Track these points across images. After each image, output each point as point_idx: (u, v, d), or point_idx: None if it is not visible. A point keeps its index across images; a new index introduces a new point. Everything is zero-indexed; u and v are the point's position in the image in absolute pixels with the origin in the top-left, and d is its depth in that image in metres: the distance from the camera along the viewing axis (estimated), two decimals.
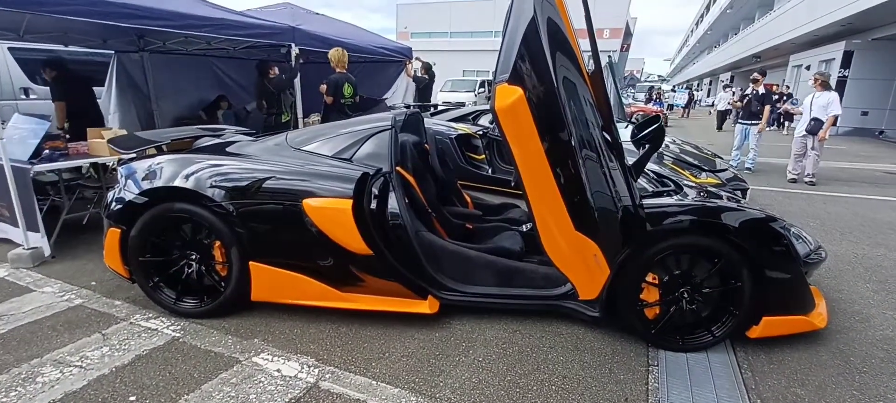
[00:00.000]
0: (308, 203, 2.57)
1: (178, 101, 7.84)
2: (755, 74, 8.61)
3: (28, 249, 3.54)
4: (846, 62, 14.88)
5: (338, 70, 5.78)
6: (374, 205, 2.65)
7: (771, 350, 2.57)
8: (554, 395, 2.17)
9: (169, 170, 2.70)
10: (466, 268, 2.80)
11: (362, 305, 2.69)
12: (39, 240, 3.57)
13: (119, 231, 2.76)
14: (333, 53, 5.77)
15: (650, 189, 2.98)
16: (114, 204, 2.77)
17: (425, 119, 6.49)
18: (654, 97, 22.64)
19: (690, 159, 5.36)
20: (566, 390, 2.21)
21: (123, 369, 2.31)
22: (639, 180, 3.22)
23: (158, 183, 2.69)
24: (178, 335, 2.62)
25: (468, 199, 4.02)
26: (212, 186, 2.62)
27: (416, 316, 2.73)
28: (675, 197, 2.80)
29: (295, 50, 5.93)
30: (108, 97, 7.11)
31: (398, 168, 2.87)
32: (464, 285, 2.76)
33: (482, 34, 34.30)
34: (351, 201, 2.54)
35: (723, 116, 17.51)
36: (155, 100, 7.57)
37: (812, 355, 2.55)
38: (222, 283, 2.75)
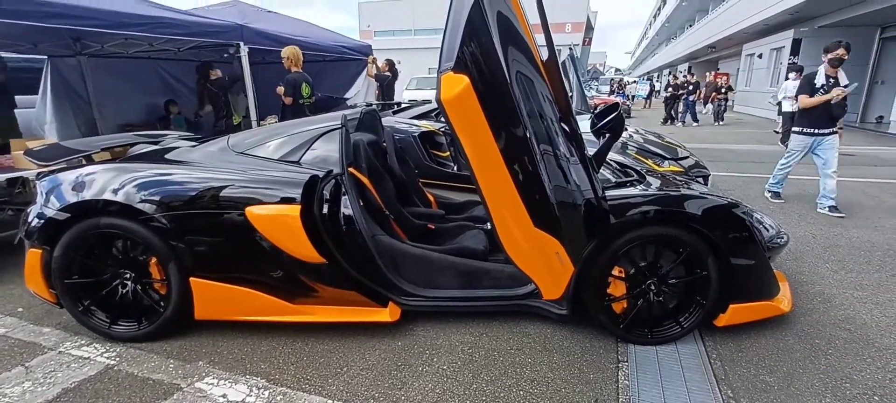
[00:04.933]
0: (252, 211, 2.37)
1: (123, 108, 7.38)
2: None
3: None
4: (795, 49, 15.46)
5: (293, 69, 5.53)
6: (325, 210, 2.48)
7: (739, 337, 2.53)
8: (522, 401, 2.06)
9: (94, 182, 2.44)
10: (428, 271, 2.66)
11: (317, 317, 2.51)
12: None
13: (40, 251, 2.48)
14: (287, 51, 5.51)
15: (614, 180, 2.91)
16: (33, 221, 2.49)
17: (388, 117, 6.32)
18: (617, 89, 23.10)
19: (654, 148, 5.37)
20: (535, 394, 2.10)
21: None
22: (603, 171, 3.16)
23: (83, 196, 2.43)
24: (112, 362, 2.37)
25: (431, 198, 3.87)
26: (143, 198, 2.38)
27: (377, 326, 2.57)
28: (638, 187, 2.74)
29: (244, 49, 5.64)
30: (42, 106, 6.61)
31: (351, 169, 2.70)
32: (426, 289, 2.62)
33: None
34: (299, 207, 2.35)
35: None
36: (97, 106, 7.09)
37: (779, 340, 2.53)
38: (161, 303, 2.52)
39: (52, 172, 2.63)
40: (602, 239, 2.33)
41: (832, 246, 3.97)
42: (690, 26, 31.81)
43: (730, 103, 14.65)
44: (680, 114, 15.81)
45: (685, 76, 16.51)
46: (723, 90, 14.81)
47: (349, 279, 2.49)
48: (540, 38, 1.94)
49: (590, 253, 2.35)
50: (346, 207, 2.53)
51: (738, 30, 18.78)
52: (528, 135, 1.83)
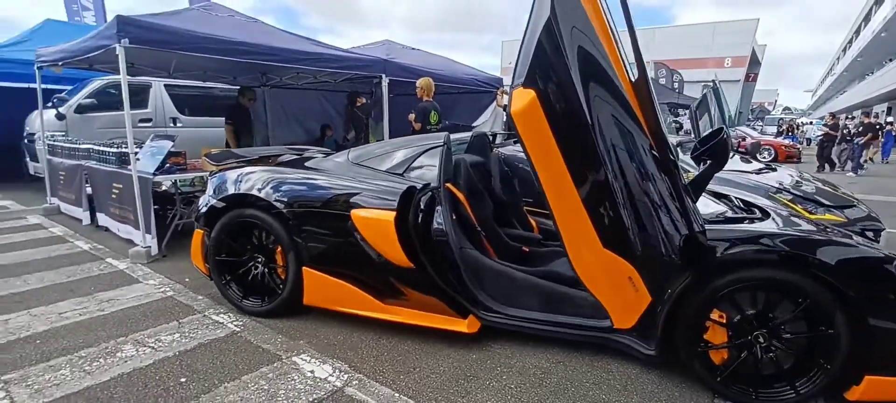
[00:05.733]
0: (356, 213, 2.67)
1: (290, 130, 8.78)
2: None
3: (144, 248, 4.14)
4: None
5: (425, 99, 6.03)
6: (419, 219, 2.68)
7: None
8: None
9: (246, 180, 3.00)
10: (510, 290, 2.68)
11: (401, 318, 2.69)
12: (151, 241, 4.16)
13: (202, 232, 3.11)
14: (421, 82, 6.04)
15: (730, 214, 2.62)
16: (201, 208, 3.14)
17: (510, 146, 6.48)
18: (786, 130, 20.12)
19: (813, 195, 4.58)
20: None
21: (185, 354, 2.56)
22: (719, 205, 2.87)
23: (236, 190, 3.00)
24: (238, 329, 2.84)
25: (533, 223, 3.87)
26: (275, 195, 2.85)
27: (457, 335, 2.66)
28: (761, 224, 2.42)
29: (385, 80, 6.33)
30: None
31: (448, 185, 2.88)
32: (506, 307, 2.64)
33: None
34: (394, 213, 2.59)
35: None
36: (271, 128, 8.56)
37: None
38: (281, 286, 2.95)
39: (220, 171, 3.29)
40: (698, 275, 2.12)
41: None
42: (892, 61, 26.40)
43: None
44: (841, 162, 13.08)
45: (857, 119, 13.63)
46: None
47: (433, 286, 2.64)
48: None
49: (683, 289, 2.15)
50: (439, 219, 2.71)
51: None
52: (600, 151, 1.79)
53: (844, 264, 2.02)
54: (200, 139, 8.44)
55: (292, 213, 2.81)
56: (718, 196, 3.22)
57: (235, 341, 2.70)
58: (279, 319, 2.96)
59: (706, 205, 2.83)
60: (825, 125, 14.28)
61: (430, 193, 2.76)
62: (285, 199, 2.83)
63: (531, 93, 1.69)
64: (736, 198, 3.12)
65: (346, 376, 2.36)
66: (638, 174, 1.88)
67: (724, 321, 2.17)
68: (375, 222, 2.62)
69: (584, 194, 1.81)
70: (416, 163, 2.97)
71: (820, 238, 2.17)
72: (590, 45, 1.72)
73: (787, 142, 16.97)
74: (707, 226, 2.24)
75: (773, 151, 16.09)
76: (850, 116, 16.00)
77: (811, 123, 27.16)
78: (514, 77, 1.75)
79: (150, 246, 4.17)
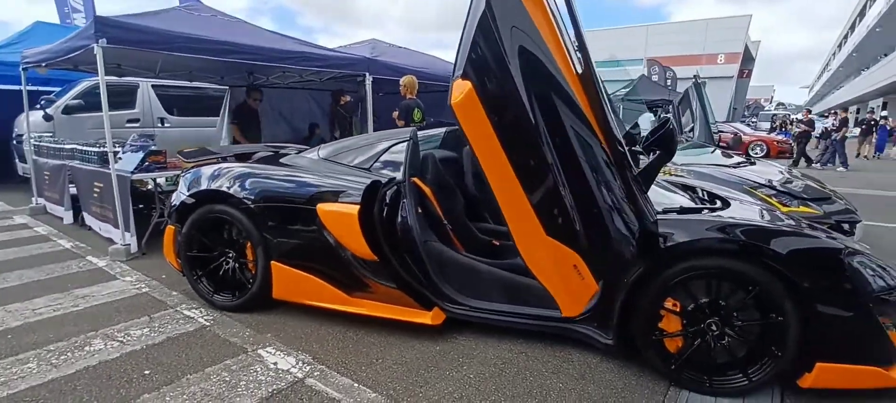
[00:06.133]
0: (321, 208, 2.70)
1: (279, 129, 8.79)
2: None
3: (123, 246, 4.16)
4: None
5: (408, 96, 6.05)
6: (384, 213, 2.71)
7: None
8: None
9: (215, 176, 3.03)
10: (475, 282, 2.71)
11: (366, 310, 2.72)
12: (130, 239, 4.18)
13: (174, 228, 3.14)
14: (404, 80, 6.06)
15: (688, 204, 2.65)
16: (173, 204, 3.17)
17: None
18: (779, 126, 20.16)
19: (793, 191, 4.57)
20: None
21: (153, 347, 2.59)
22: (679, 195, 2.90)
23: (204, 186, 3.02)
24: (208, 324, 2.87)
25: None
26: (243, 190, 2.88)
27: (423, 327, 2.68)
28: (713, 214, 2.46)
29: (369, 79, 6.35)
30: (221, 125, 8.19)
31: (415, 179, 2.90)
32: (471, 299, 2.66)
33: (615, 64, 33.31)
34: (358, 207, 2.62)
35: None
36: (263, 127, 8.57)
37: None
38: (251, 281, 2.98)
39: (192, 168, 3.32)
40: (651, 264, 2.15)
41: None
42: (887, 56, 26.45)
43: None
44: (822, 157, 13.11)
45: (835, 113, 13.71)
46: None
47: (398, 279, 2.67)
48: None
49: (637, 278, 2.18)
50: (404, 212, 2.74)
51: None
52: (540, 142, 1.81)
53: (796, 254, 2.05)
54: (189, 139, 8.47)
55: (260, 209, 2.84)
56: (687, 188, 3.26)
57: (203, 335, 2.73)
58: (249, 313, 2.99)
59: (667, 196, 2.86)
60: (801, 122, 14.36)
61: (395, 187, 2.79)
62: (253, 195, 2.86)
63: (468, 84, 1.72)
64: (701, 189, 3.15)
65: (308, 367, 2.39)
66: (582, 164, 1.91)
67: (678, 309, 2.20)
68: (340, 216, 2.65)
69: (525, 183, 1.84)
70: (384, 159, 3.00)
71: (772, 228, 2.21)
72: (528, 37, 1.74)
73: (779, 137, 17.02)
74: (665, 216, 2.28)
75: (765, 147, 16.14)
76: (832, 112, 15.99)
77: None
78: (454, 69, 1.78)
79: (129, 244, 4.19)
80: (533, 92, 1.77)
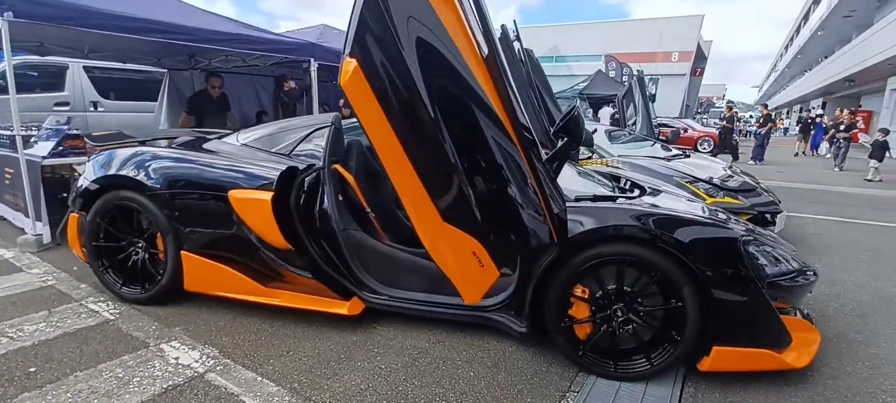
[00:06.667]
0: (233, 194, 2.57)
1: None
2: None
3: (34, 236, 3.88)
4: None
5: None
6: (301, 200, 2.61)
7: (730, 388, 2.15)
8: None
9: (121, 160, 2.84)
10: (395, 271, 2.66)
11: (282, 301, 2.62)
12: (43, 228, 3.90)
13: (78, 216, 2.93)
14: None
15: (603, 192, 2.68)
16: (76, 190, 2.95)
17: None
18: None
19: (720, 182, 4.73)
20: None
21: (44, 343, 2.40)
22: (592, 183, 2.93)
23: (109, 171, 2.83)
24: (112, 318, 2.70)
25: None
26: (151, 175, 2.71)
27: (343, 318, 2.61)
28: (624, 203, 2.50)
29: (314, 65, 6.16)
30: (159, 110, 7.80)
31: (337, 166, 2.81)
32: (390, 288, 2.61)
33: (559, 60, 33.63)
34: (272, 193, 2.51)
35: None
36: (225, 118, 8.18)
37: (780, 400, 2.10)
38: (161, 272, 2.82)
39: (101, 151, 3.11)
40: (561, 252, 2.16)
41: None
42: (827, 58, 28.02)
43: (845, 144, 11.61)
44: (752, 151, 13.90)
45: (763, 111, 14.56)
46: (842, 128, 12.24)
47: (315, 268, 2.58)
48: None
49: (548, 266, 2.19)
50: (324, 200, 2.65)
51: (880, 60, 16.16)
52: (434, 125, 1.77)
53: (695, 242, 2.09)
54: (127, 124, 8.02)
55: (169, 194, 2.68)
56: (614, 178, 3.31)
57: (105, 329, 2.56)
58: (161, 306, 2.83)
59: (588, 185, 2.89)
60: (722, 119, 15.17)
61: (315, 174, 2.70)
62: (162, 181, 2.69)
63: (354, 62, 1.66)
64: (625, 179, 3.20)
65: (212, 361, 2.27)
66: (480, 149, 1.88)
67: (587, 296, 2.22)
68: (253, 203, 2.53)
69: (418, 168, 1.79)
70: (306, 145, 2.88)
71: (675, 216, 2.25)
72: (422, 15, 1.68)
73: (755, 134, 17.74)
74: (576, 204, 2.29)
75: (711, 142, 16.81)
76: (762, 107, 16.83)
77: (750, 116, 28.50)
78: (343, 46, 1.71)
79: (41, 235, 3.91)
80: (426, 71, 1.71)
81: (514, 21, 4.16)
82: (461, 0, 1.80)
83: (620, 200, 2.55)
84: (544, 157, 2.03)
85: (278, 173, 2.56)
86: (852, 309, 3.13)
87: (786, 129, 34.95)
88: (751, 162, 13.31)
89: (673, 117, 20.82)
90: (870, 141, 10.62)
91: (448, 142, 1.81)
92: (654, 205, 2.43)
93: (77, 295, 3.01)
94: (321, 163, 2.73)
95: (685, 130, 16.76)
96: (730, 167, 5.69)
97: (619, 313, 2.18)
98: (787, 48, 44.65)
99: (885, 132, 10.65)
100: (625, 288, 2.16)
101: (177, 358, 2.29)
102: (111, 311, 2.78)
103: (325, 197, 2.67)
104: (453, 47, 1.73)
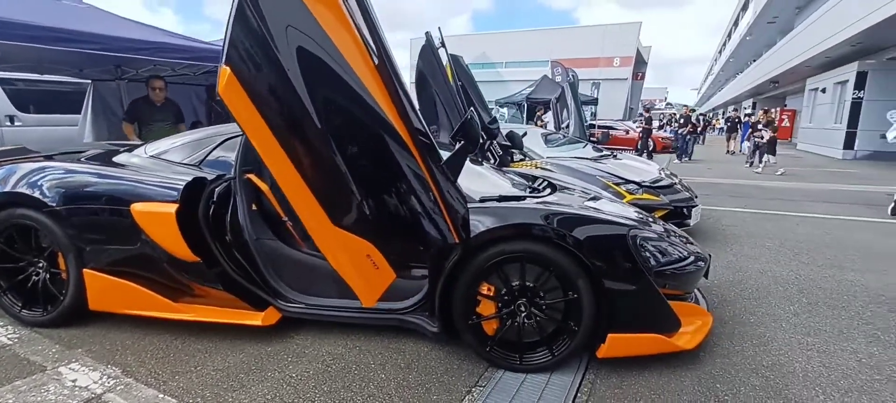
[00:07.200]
0: (135, 208, 2.49)
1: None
2: None
3: None
4: (860, 83, 14.16)
5: None
6: (210, 211, 2.56)
7: (626, 373, 2.29)
8: None
9: (17, 177, 2.69)
10: (309, 278, 2.65)
11: (192, 316, 2.56)
12: None
13: None
14: None
15: (508, 192, 2.81)
16: None
17: None
18: (665, 124, 22.09)
19: (636, 179, 5.01)
20: None
21: None
22: (515, 184, 3.04)
23: (4, 189, 2.67)
24: (10, 343, 2.54)
25: None
26: (47, 192, 2.59)
27: (259, 329, 2.57)
28: (540, 198, 2.61)
29: None
30: (83, 123, 7.38)
31: (250, 175, 2.78)
32: (306, 296, 2.60)
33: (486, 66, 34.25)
34: (176, 205, 2.45)
35: None
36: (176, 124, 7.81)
37: (672, 381, 2.25)
38: (64, 292, 2.68)
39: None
40: (465, 251, 2.23)
41: (813, 287, 3.51)
42: (755, 61, 30.07)
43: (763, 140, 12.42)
44: (678, 150, 14.86)
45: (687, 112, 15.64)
46: (760, 127, 13.07)
47: (226, 280, 2.54)
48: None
49: (454, 265, 2.25)
50: (236, 210, 2.61)
51: (799, 62, 17.51)
52: (319, 131, 1.80)
53: (589, 238, 2.21)
54: (49, 139, 7.57)
55: (68, 211, 2.56)
56: (530, 178, 3.43)
57: (0, 355, 2.42)
58: (65, 328, 2.69)
59: (498, 185, 3.00)
60: (641, 115, 16.09)
61: (225, 184, 2.65)
62: (58, 197, 2.57)
63: (228, 70, 1.66)
64: (541, 179, 3.33)
65: (113, 382, 2.19)
66: (371, 154, 1.92)
67: (492, 293, 2.30)
68: (156, 216, 2.46)
69: (304, 174, 1.81)
70: (216, 155, 2.83)
71: (570, 213, 2.37)
72: (302, 24, 1.70)
73: (664, 134, 18.69)
74: (479, 204, 2.37)
75: (652, 143, 17.67)
76: (685, 107, 17.91)
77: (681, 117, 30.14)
78: (220, 54, 1.71)
79: None
80: (308, 79, 1.73)
81: (439, 28, 4.24)
82: (349, 9, 1.84)
83: (529, 200, 2.66)
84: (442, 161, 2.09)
85: (184, 184, 2.51)
86: (751, 293, 3.38)
87: (722, 129, 37.14)
88: (675, 160, 14.10)
89: (616, 120, 21.70)
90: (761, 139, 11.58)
91: (334, 148, 1.84)
92: (554, 204, 2.55)
93: None
94: (231, 173, 2.69)
95: (627, 132, 17.53)
96: (667, 166, 6.03)
97: (523, 308, 2.27)
98: (720, 52, 47.52)
99: (773, 128, 11.59)
100: (527, 283, 2.26)
101: (74, 380, 2.19)
102: (9, 336, 2.62)
103: (238, 207, 2.63)
104: (338, 55, 1.76)
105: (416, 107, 2.02)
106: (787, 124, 24.56)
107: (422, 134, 2.01)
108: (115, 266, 2.59)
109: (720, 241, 4.78)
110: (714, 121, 38.72)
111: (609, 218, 2.47)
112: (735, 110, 20.54)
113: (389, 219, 2.01)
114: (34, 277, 2.74)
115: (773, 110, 16.91)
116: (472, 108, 2.28)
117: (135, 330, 2.67)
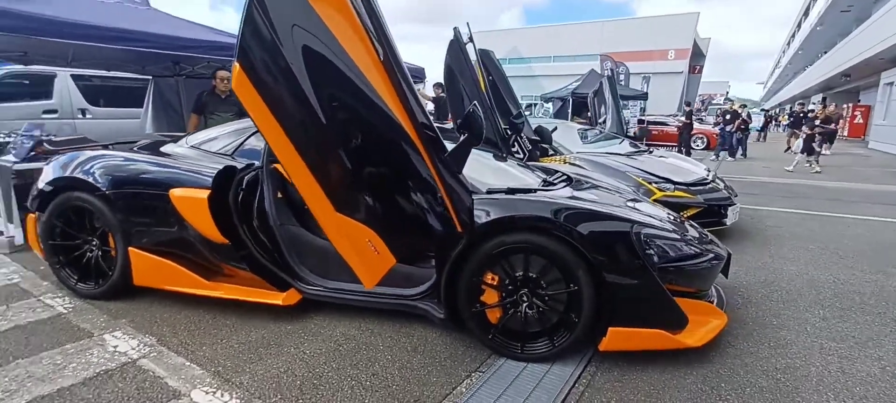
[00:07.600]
0: (173, 193, 2.73)
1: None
2: None
3: (7, 237, 4.07)
4: None
5: None
6: (239, 197, 2.76)
7: (628, 367, 2.28)
8: (347, 390, 2.10)
9: (75, 163, 3.01)
10: (330, 263, 2.80)
11: (221, 293, 2.77)
12: (14, 231, 4.09)
13: (36, 216, 3.11)
14: None
15: (516, 185, 2.85)
16: (33, 192, 3.13)
17: None
18: (723, 119, 20.96)
19: (671, 176, 4.84)
20: (366, 387, 2.13)
21: None
22: (534, 177, 3.06)
23: (62, 174, 3.00)
24: (65, 312, 2.86)
25: None
26: (99, 177, 2.88)
27: (282, 308, 2.76)
28: (550, 191, 2.64)
29: None
30: (145, 116, 8.01)
31: (277, 165, 2.96)
32: (326, 280, 2.76)
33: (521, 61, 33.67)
34: (209, 191, 2.66)
35: None
36: (186, 118, 8.41)
37: (675, 378, 2.22)
38: (112, 268, 2.98)
39: (58, 155, 3.28)
40: (470, 241, 2.30)
41: (848, 292, 3.31)
42: (826, 53, 27.91)
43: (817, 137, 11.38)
44: (721, 147, 13.94)
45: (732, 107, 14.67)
46: (817, 123, 12.05)
47: (252, 262, 2.73)
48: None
49: (459, 254, 2.33)
50: (263, 197, 2.80)
51: (873, 54, 16.12)
52: (323, 124, 1.91)
53: (592, 232, 2.22)
54: (116, 132, 8.24)
55: (116, 195, 2.85)
56: (549, 171, 3.44)
57: (55, 322, 2.73)
58: (114, 301, 2.99)
59: (517, 178, 3.03)
60: (682, 116, 15.30)
61: (254, 173, 2.85)
62: (110, 182, 2.86)
63: (238, 67, 1.80)
64: (559, 173, 3.33)
65: (147, 349, 2.43)
66: (373, 146, 2.02)
67: (497, 283, 2.35)
68: (191, 201, 2.69)
69: (310, 164, 1.93)
70: (249, 145, 3.04)
71: (575, 207, 2.38)
72: (307, 23, 1.82)
73: (717, 130, 17.75)
74: (485, 196, 2.43)
75: (705, 139, 16.86)
76: (729, 103, 16.78)
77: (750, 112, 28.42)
78: (234, 51, 1.86)
79: (13, 236, 4.09)
80: (312, 74, 1.85)
81: (468, 23, 4.30)
82: (356, 8, 1.95)
83: (539, 193, 2.68)
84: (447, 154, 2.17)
85: (216, 172, 2.72)
86: (780, 295, 3.24)
87: (787, 125, 34.82)
88: (729, 158, 13.36)
89: (667, 115, 20.83)
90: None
91: (337, 140, 1.95)
92: (560, 198, 2.56)
93: (37, 291, 3.17)
94: (260, 163, 2.88)
95: (642, 126, 16.81)
96: (715, 163, 5.80)
97: (525, 298, 2.31)
98: (789, 44, 44.42)
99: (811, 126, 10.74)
100: (530, 274, 2.30)
101: (116, 347, 2.45)
102: (66, 306, 2.94)
103: (265, 194, 2.82)
104: (342, 52, 1.87)
105: (422, 101, 2.10)
106: (861, 121, 22.70)
107: (426, 127, 2.09)
108: (157, 246, 2.85)
109: (759, 242, 4.56)
110: (780, 117, 36.30)
111: (612, 213, 2.46)
112: (802, 105, 19.20)
113: (391, 208, 2.11)
114: (88, 254, 3.06)
115: (832, 104, 15.64)
116: (474, 102, 2.32)
117: (172, 305, 2.93)
